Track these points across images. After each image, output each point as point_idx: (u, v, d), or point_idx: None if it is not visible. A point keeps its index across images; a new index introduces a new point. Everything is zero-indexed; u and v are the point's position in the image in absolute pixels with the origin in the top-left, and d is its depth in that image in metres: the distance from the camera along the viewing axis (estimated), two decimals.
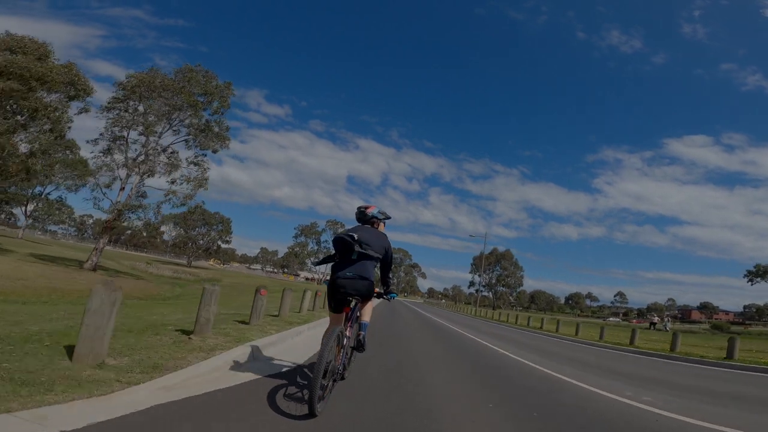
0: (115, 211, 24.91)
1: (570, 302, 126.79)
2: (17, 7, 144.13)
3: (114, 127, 25.10)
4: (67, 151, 35.47)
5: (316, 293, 15.45)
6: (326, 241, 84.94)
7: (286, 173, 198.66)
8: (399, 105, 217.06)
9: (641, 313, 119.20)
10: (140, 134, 25.82)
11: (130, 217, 26.28)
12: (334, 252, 3.81)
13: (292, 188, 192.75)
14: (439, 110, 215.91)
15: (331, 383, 3.42)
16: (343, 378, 4.19)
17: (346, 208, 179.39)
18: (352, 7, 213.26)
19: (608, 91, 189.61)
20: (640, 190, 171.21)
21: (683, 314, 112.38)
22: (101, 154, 25.24)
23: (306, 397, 3.16)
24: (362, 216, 4.16)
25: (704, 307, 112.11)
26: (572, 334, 21.72)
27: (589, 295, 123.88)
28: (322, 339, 3.29)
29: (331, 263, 3.84)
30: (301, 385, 4.04)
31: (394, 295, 4.59)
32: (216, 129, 27.10)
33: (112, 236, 73.67)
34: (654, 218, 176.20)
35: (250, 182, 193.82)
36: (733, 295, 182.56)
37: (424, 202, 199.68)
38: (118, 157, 25.64)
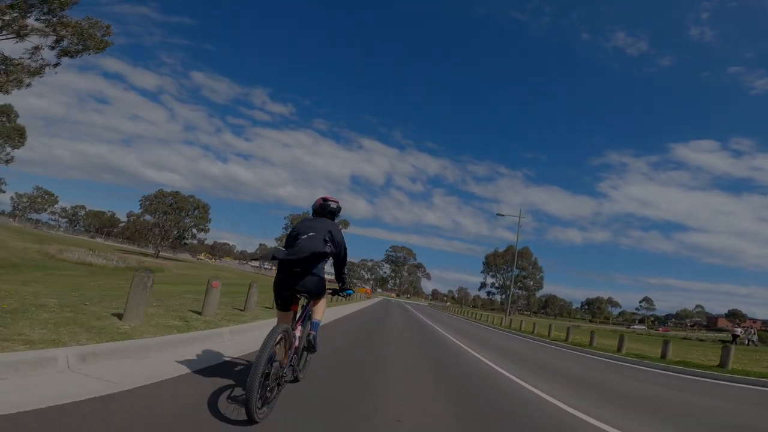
0: None
1: (585, 308, 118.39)
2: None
3: None
4: None
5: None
6: None
7: (290, 172, 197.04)
8: (401, 105, 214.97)
9: (659, 320, 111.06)
10: None
11: None
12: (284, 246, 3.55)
13: (297, 187, 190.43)
14: (441, 111, 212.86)
15: (276, 386, 3.13)
16: (297, 380, 4.00)
17: (349, 208, 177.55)
18: (356, 6, 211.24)
19: (613, 93, 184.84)
20: (645, 195, 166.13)
21: (709, 322, 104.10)
22: None
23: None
24: (324, 208, 3.94)
25: (732, 315, 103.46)
26: (613, 349, 15.00)
27: (610, 301, 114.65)
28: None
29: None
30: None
31: (351, 291, 4.41)
32: None
33: (104, 229, 67.01)
34: (660, 224, 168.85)
35: (256, 180, 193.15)
36: (737, 303, 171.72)
37: (427, 203, 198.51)
38: None
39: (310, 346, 3.66)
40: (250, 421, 2.69)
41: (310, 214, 4.05)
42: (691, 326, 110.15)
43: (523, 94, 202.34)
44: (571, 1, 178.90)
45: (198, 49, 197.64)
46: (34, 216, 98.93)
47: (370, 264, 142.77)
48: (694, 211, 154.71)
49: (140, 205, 57.82)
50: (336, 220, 4.04)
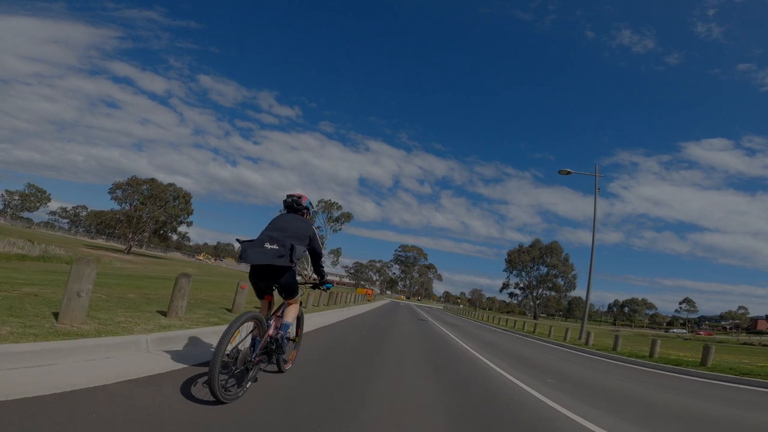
0: None
1: (614, 310, 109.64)
2: (35, 9, 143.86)
3: None
4: None
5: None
6: (318, 227, 72.26)
7: (299, 175, 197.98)
8: (408, 106, 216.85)
9: (689, 323, 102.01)
10: None
11: None
12: (258, 238, 3.64)
13: (305, 190, 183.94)
14: (447, 112, 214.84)
15: (246, 371, 3.30)
16: (281, 371, 4.21)
17: (358, 210, 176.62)
18: (361, 10, 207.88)
19: (621, 92, 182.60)
20: (658, 195, 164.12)
21: (750, 325, 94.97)
22: None
23: (228, 384, 3.11)
24: (293, 205, 4.06)
25: None
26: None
27: (645, 302, 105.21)
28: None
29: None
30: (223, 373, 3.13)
31: (330, 285, 4.54)
32: None
33: (106, 230, 61.39)
34: (673, 224, 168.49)
35: (265, 183, 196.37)
36: (754, 303, 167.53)
37: (436, 205, 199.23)
38: None
39: (277, 347, 3.75)
40: (216, 401, 2.89)
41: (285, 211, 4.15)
42: (729, 329, 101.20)
43: (529, 93, 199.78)
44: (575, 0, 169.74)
45: (205, 52, 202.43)
46: (26, 214, 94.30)
47: (378, 265, 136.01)
48: (708, 211, 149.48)
49: (109, 193, 51.24)
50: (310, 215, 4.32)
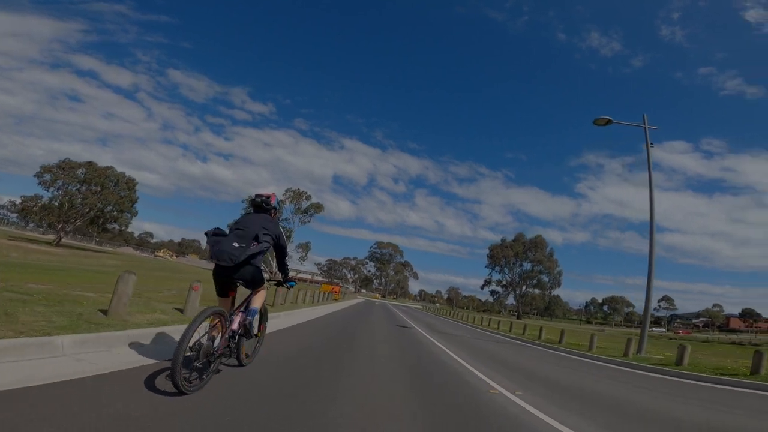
0: None
1: (591, 308, 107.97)
2: (2, 3, 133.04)
3: None
4: None
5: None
6: (286, 219, 65.71)
7: (272, 171, 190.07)
8: (383, 105, 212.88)
9: (658, 321, 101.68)
10: None
11: None
12: (227, 237, 3.73)
13: (278, 187, 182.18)
14: (422, 111, 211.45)
15: (208, 363, 3.38)
16: (242, 365, 4.26)
17: (332, 208, 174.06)
18: (336, 7, 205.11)
19: (589, 93, 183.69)
20: (621, 196, 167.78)
21: (723, 323, 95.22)
22: None
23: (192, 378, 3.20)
24: (263, 204, 4.15)
25: (747, 315, 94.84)
26: None
27: (624, 301, 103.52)
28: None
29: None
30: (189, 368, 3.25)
31: (293, 283, 4.65)
32: None
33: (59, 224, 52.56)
34: (636, 225, 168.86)
35: (236, 180, 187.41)
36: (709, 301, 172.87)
37: (410, 204, 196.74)
38: None
39: (246, 332, 3.90)
40: (179, 392, 2.97)
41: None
42: (702, 327, 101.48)
43: (502, 94, 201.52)
44: (548, 0, 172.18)
45: (175, 47, 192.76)
46: None
47: (353, 262, 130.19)
48: (668, 212, 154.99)
49: (36, 177, 42.75)
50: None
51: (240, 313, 3.79)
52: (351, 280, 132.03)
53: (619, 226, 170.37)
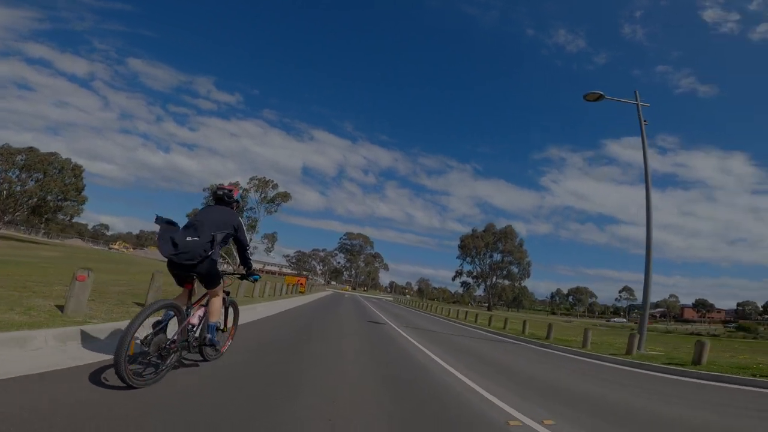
0: None
1: (556, 299, 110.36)
2: None
3: None
4: None
5: None
6: (251, 208, 62.09)
7: (238, 162, 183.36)
8: (353, 97, 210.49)
9: (617, 312, 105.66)
10: None
11: None
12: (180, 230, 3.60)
13: (245, 178, 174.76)
14: (392, 103, 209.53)
15: (160, 357, 3.25)
16: (206, 359, 4.06)
17: (301, 199, 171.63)
18: None
19: (555, 89, 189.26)
20: (582, 189, 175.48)
21: (677, 313, 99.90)
22: None
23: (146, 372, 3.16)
24: (224, 197, 4.02)
25: (700, 306, 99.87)
26: None
27: (587, 291, 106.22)
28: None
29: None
30: (142, 363, 3.28)
31: (257, 276, 4.45)
32: None
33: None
34: (594, 217, 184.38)
35: (201, 171, 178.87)
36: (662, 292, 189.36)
37: (380, 195, 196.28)
38: None
39: (204, 347, 3.80)
40: (126, 385, 2.87)
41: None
42: (659, 317, 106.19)
43: (472, 88, 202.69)
44: None
45: (136, 35, 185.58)
46: None
47: (322, 254, 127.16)
48: (623, 205, 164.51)
49: None
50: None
51: (200, 307, 3.74)
52: (320, 272, 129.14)
53: (578, 218, 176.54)
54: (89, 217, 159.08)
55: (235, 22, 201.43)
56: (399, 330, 13.52)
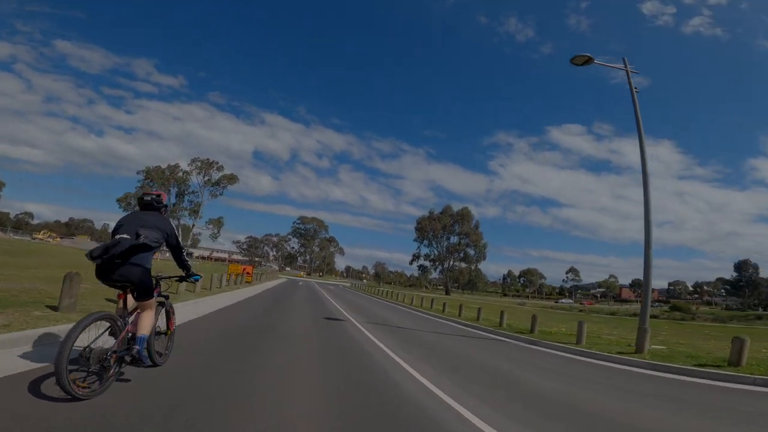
0: None
1: (507, 281, 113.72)
2: None
3: None
4: None
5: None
6: (194, 192, 56.40)
7: (183, 146, 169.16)
8: (305, 80, 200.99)
9: (562, 293, 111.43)
10: None
11: None
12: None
13: (189, 161, 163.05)
14: (344, 87, 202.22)
15: (102, 368, 3.11)
16: (155, 365, 3.94)
17: (253, 184, 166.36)
18: None
19: (503, 77, 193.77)
20: (526, 174, 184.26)
21: (616, 294, 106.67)
22: None
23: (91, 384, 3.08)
24: (153, 203, 3.87)
25: (636, 286, 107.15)
26: None
27: (537, 273, 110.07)
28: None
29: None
30: (84, 372, 3.11)
31: (198, 277, 4.42)
32: None
33: None
34: (538, 200, 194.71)
35: (141, 155, 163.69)
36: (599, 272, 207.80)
37: (334, 179, 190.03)
38: None
39: (134, 361, 3.52)
40: (71, 397, 2.81)
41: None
42: (600, 297, 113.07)
43: (424, 73, 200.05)
44: None
45: (64, 16, 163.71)
46: None
47: (275, 239, 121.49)
48: (564, 189, 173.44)
49: None
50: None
51: (137, 314, 3.62)
52: (273, 257, 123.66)
53: (524, 201, 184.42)
54: (11, 205, 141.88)
55: (179, 4, 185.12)
56: (363, 329, 10.90)
